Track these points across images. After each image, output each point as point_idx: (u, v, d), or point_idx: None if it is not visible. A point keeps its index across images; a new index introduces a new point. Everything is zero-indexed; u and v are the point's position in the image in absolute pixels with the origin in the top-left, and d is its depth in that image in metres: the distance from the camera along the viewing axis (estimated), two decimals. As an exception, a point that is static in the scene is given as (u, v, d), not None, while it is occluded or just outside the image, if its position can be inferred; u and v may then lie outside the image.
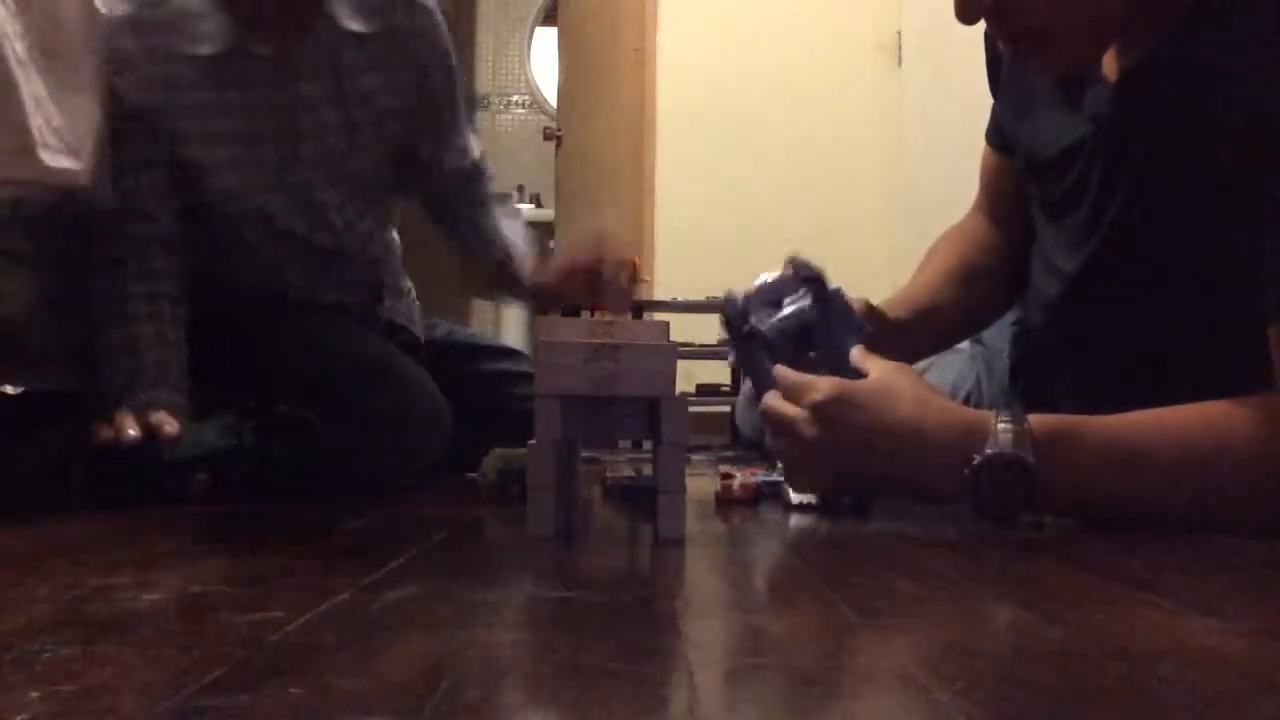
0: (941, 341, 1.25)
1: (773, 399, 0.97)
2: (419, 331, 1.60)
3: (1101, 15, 0.90)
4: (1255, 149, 0.86)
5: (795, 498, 1.07)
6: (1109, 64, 0.98)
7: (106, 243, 1.23)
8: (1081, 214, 1.02)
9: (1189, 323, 0.95)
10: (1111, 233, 0.99)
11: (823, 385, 0.93)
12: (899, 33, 3.93)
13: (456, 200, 1.51)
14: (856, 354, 0.99)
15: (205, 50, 1.24)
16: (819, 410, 0.92)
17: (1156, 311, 0.98)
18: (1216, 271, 0.93)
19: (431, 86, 1.39)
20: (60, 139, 0.98)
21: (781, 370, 0.97)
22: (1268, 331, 0.87)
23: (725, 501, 1.12)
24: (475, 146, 1.52)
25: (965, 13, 0.89)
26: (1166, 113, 0.93)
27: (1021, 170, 1.14)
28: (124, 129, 1.20)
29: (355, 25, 1.29)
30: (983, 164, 1.27)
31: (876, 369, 0.95)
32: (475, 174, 1.51)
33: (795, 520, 1.01)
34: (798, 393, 0.94)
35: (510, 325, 4.79)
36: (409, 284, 1.61)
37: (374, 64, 1.32)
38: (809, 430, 0.93)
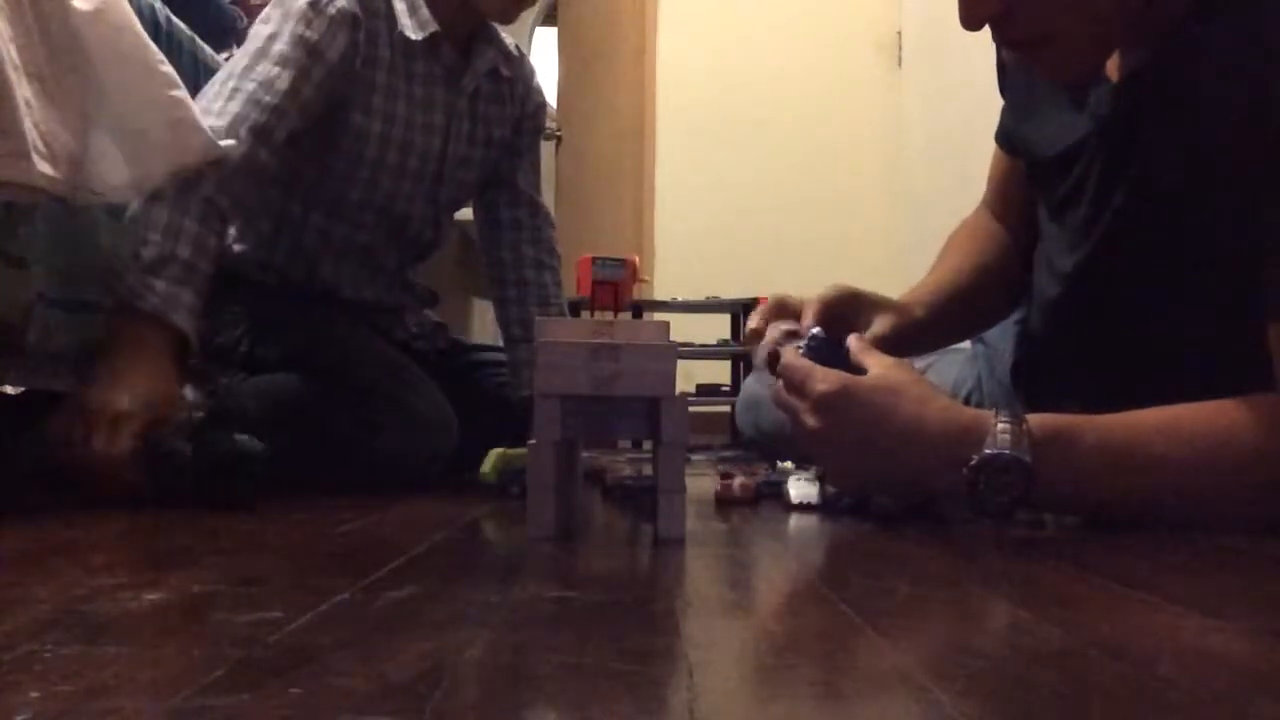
0: (950, 339, 1.26)
1: (780, 388, 0.99)
2: (430, 344, 1.65)
3: (1104, 21, 0.90)
4: (1255, 148, 0.86)
5: (795, 497, 1.07)
6: (1112, 64, 0.98)
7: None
8: (1081, 213, 1.03)
9: (1187, 323, 0.95)
10: (1109, 232, 1.00)
11: (827, 377, 0.93)
12: (899, 33, 3.94)
13: (519, 229, 1.63)
14: (855, 346, 0.99)
15: (411, 35, 1.40)
16: (821, 401, 0.93)
17: (1155, 312, 0.98)
18: (1215, 272, 0.93)
19: (525, 126, 1.63)
20: (46, 146, 0.98)
21: (789, 359, 0.98)
22: (1268, 331, 0.87)
23: (725, 501, 1.12)
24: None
25: (969, 19, 0.89)
26: (1167, 113, 0.93)
27: (1025, 171, 1.15)
28: (304, 64, 1.31)
29: (500, 64, 1.54)
30: (992, 164, 1.27)
31: (878, 365, 0.95)
32: (540, 210, 1.66)
33: (795, 520, 1.01)
34: (803, 382, 0.95)
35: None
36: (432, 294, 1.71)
37: (496, 97, 1.56)
38: (810, 421, 0.94)
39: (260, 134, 1.27)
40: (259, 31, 1.34)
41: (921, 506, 1.01)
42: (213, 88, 1.30)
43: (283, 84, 1.29)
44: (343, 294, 1.49)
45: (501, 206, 1.62)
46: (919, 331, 1.13)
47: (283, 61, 1.30)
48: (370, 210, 1.45)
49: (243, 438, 1.11)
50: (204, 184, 1.21)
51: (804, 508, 1.06)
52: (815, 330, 1.02)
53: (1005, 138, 1.20)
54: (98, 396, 1.07)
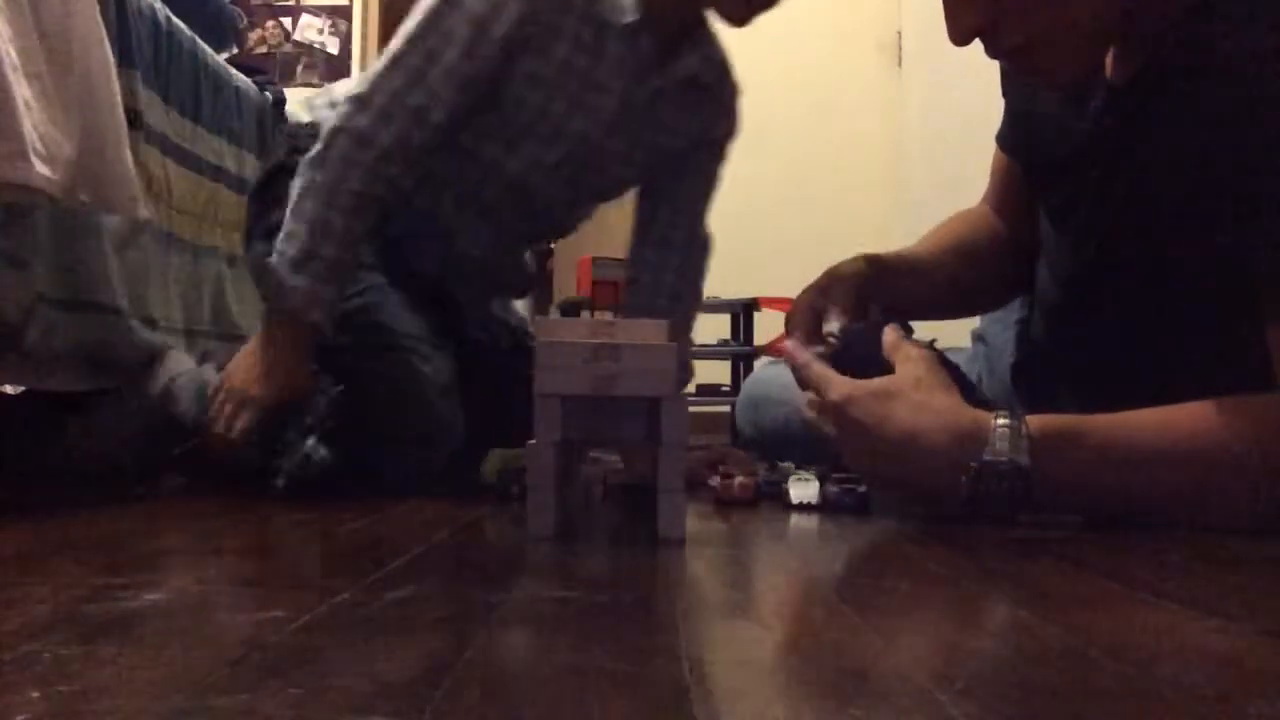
0: (923, 306, 1.25)
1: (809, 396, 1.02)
2: (492, 339, 1.58)
3: (1090, 30, 0.90)
4: (1253, 152, 0.86)
5: (795, 497, 1.07)
6: (1112, 68, 0.98)
7: (342, 136, 1.23)
8: (1081, 218, 1.03)
9: (1187, 325, 0.95)
10: (1109, 237, 1.00)
11: (836, 386, 0.96)
12: (899, 33, 3.93)
13: (668, 251, 1.50)
14: (888, 341, 1.00)
15: (608, 16, 1.29)
16: (832, 409, 0.96)
17: (1155, 314, 0.98)
18: (1214, 274, 0.92)
19: (703, 154, 1.48)
20: (45, 147, 0.98)
21: (808, 368, 0.99)
22: (1268, 333, 0.87)
23: (725, 501, 1.12)
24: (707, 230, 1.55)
25: (956, 34, 0.91)
26: (1165, 117, 0.93)
27: (1025, 175, 1.15)
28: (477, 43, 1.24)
29: (701, 72, 1.37)
30: (994, 162, 1.27)
31: (901, 363, 0.96)
32: (697, 239, 1.52)
33: (795, 520, 1.01)
34: (819, 391, 0.98)
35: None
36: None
37: (685, 105, 1.39)
38: (828, 428, 0.97)
39: (417, 115, 1.23)
40: None
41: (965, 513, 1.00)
42: (385, 56, 1.26)
43: (447, 61, 1.23)
44: (457, 244, 1.42)
45: (660, 224, 1.49)
46: (891, 279, 1.14)
47: (449, 38, 1.24)
48: (500, 173, 1.37)
49: (314, 446, 1.16)
50: (352, 174, 1.20)
51: (804, 507, 1.06)
52: (839, 328, 1.03)
53: (1006, 140, 1.20)
54: (229, 381, 1.19)
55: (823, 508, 1.06)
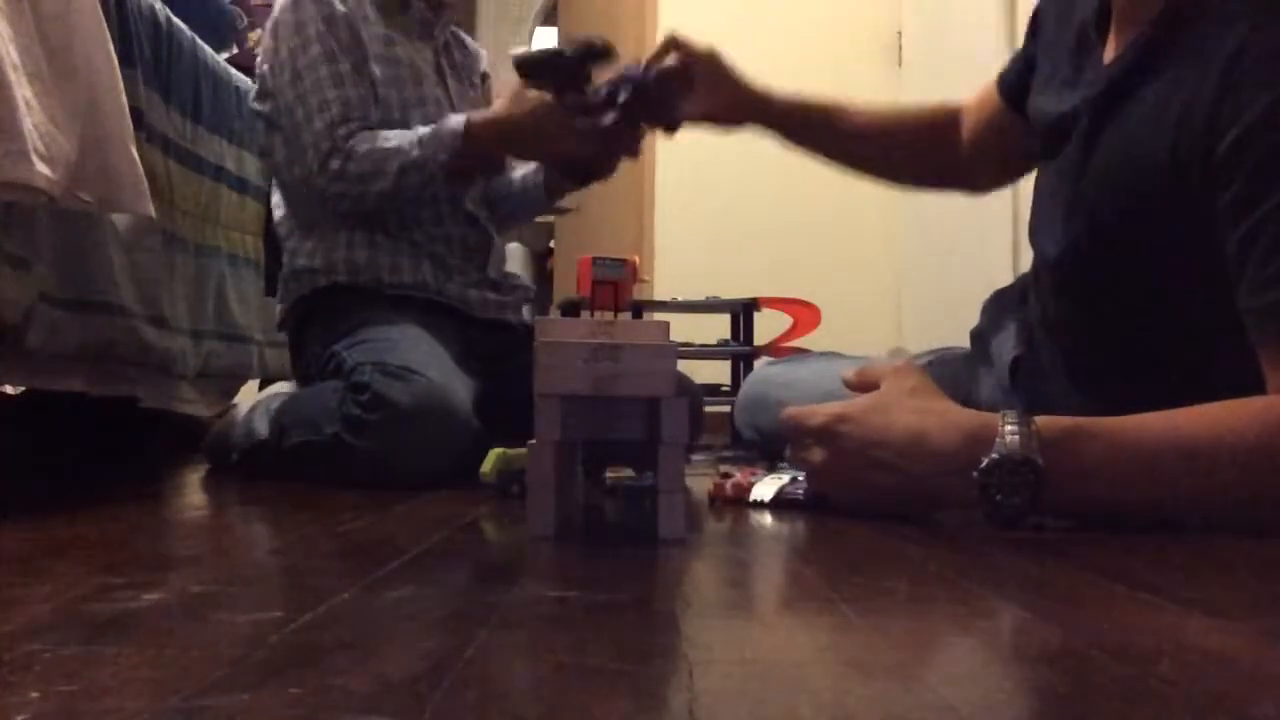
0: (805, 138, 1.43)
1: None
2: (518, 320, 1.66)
3: None
4: (1242, 149, 0.86)
5: (754, 495, 1.09)
6: (1111, 48, 0.99)
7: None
8: (1063, 195, 1.03)
9: (1170, 320, 0.95)
10: (1088, 220, 0.99)
11: (819, 411, 0.96)
12: (899, 33, 3.93)
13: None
14: (852, 372, 1.01)
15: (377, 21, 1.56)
16: (819, 434, 0.96)
17: (1140, 307, 0.98)
18: (1192, 266, 0.92)
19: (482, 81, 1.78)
20: (46, 147, 0.98)
21: (790, 409, 1.00)
22: (1259, 357, 0.87)
23: (718, 500, 1.12)
24: None
25: None
26: (1146, 101, 0.93)
27: (1030, 148, 1.15)
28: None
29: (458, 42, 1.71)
30: (982, 90, 1.31)
31: (888, 379, 0.97)
32: None
33: (795, 520, 1.01)
34: (800, 422, 0.98)
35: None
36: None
37: (460, 46, 1.72)
38: (815, 455, 0.97)
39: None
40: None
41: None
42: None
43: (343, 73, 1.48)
44: (404, 217, 1.54)
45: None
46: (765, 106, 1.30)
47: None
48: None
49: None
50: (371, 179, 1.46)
51: (761, 505, 1.08)
52: (633, 67, 1.09)
53: (1009, 86, 1.21)
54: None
55: (778, 504, 1.06)
